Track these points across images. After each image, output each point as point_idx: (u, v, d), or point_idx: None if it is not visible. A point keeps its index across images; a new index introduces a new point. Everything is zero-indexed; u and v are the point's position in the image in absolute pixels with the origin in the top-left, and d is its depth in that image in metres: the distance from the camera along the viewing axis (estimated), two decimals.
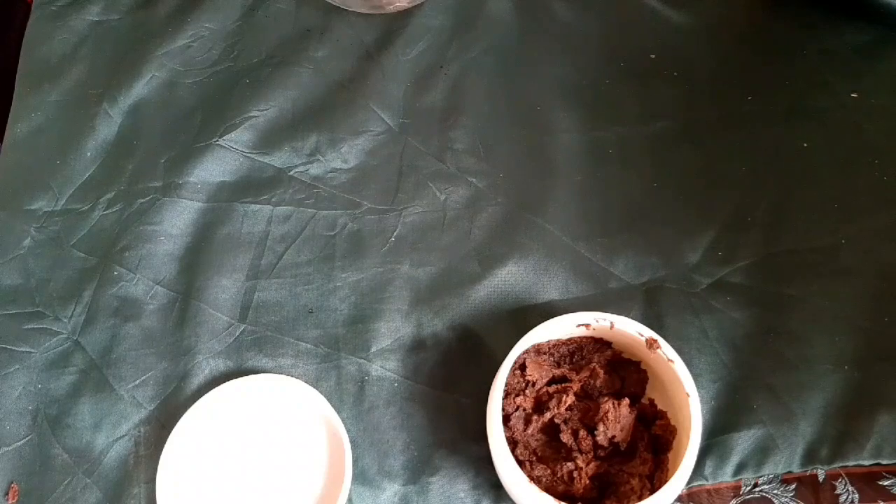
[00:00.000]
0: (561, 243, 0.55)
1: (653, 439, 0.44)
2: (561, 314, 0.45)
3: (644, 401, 0.46)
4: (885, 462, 0.47)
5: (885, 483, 0.47)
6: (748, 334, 0.51)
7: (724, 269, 0.53)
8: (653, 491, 0.39)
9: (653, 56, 0.62)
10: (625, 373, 0.47)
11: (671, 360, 0.42)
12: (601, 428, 0.43)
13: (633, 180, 0.57)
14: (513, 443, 0.44)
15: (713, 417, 0.49)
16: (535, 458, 0.44)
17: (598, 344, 0.47)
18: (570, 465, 0.43)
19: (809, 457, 0.47)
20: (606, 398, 0.44)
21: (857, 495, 0.46)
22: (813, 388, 0.49)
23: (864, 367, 0.49)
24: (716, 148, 0.58)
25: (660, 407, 0.45)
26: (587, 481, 0.43)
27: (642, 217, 0.56)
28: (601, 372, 0.45)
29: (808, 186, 0.56)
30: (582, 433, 0.44)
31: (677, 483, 0.39)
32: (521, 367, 0.46)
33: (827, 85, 0.60)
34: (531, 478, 0.41)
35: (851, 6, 0.62)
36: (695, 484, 0.47)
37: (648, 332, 0.43)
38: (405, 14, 0.65)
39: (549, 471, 0.43)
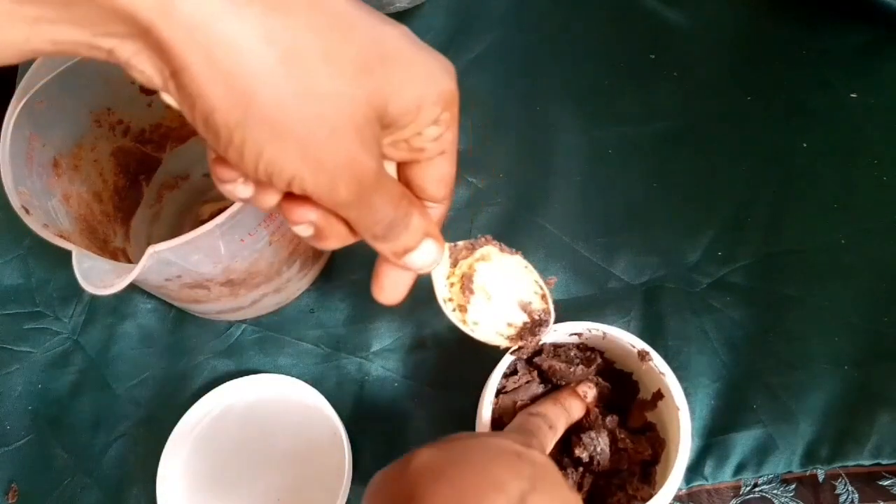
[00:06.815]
0: (561, 243, 0.55)
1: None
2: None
3: (634, 412, 0.46)
4: (885, 462, 0.47)
5: (885, 483, 0.46)
6: (748, 334, 0.51)
7: (724, 269, 0.53)
8: (640, 502, 0.39)
9: (653, 56, 0.62)
10: (616, 383, 0.46)
11: (662, 374, 0.42)
12: (579, 448, 0.42)
13: (633, 180, 0.57)
14: None
15: (713, 417, 0.49)
16: None
17: (591, 352, 0.47)
18: None
19: (809, 457, 0.47)
20: (591, 413, 0.44)
21: (857, 495, 0.46)
22: (813, 388, 0.49)
23: (864, 367, 0.49)
24: (716, 148, 0.58)
25: (649, 419, 0.45)
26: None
27: (642, 217, 0.56)
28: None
29: (808, 186, 0.56)
30: (572, 439, 0.43)
31: (665, 496, 0.39)
32: (513, 371, 0.46)
33: (827, 85, 0.60)
34: None
35: (851, 6, 0.62)
36: (695, 484, 0.47)
37: (640, 344, 0.43)
38: (405, 14, 0.65)
39: None
